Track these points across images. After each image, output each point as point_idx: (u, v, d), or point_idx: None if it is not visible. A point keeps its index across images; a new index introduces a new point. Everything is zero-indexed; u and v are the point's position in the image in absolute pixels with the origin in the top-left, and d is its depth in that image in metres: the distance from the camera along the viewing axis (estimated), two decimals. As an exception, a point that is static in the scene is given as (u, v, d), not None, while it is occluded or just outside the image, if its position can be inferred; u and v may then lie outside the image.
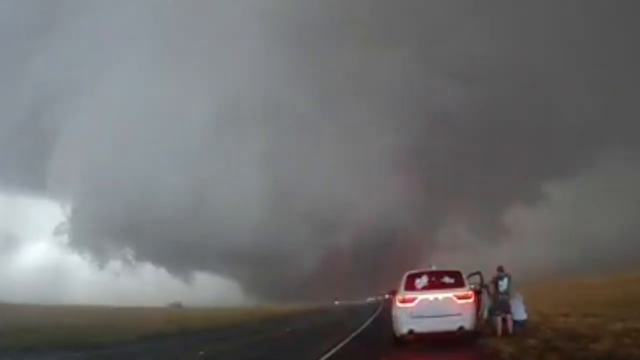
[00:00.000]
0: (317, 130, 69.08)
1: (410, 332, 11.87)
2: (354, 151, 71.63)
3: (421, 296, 11.96)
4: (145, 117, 63.61)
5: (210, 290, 69.62)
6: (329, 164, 68.66)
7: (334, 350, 12.88)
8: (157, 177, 61.03)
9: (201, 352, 14.97)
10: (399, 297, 12.30)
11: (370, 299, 79.88)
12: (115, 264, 70.53)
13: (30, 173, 70.18)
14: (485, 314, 13.60)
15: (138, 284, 66.74)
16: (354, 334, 17.83)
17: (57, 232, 71.40)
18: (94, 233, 68.27)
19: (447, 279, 12.37)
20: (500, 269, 13.45)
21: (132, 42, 66.42)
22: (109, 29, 67.37)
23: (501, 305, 13.14)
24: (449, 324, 11.64)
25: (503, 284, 13.18)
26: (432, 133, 66.47)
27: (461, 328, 11.64)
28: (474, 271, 14.13)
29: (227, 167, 65.55)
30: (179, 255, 68.70)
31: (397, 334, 12.20)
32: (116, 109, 63.97)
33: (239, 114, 66.21)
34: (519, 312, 13.20)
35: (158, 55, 66.44)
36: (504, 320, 13.09)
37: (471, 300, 12.02)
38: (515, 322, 13.03)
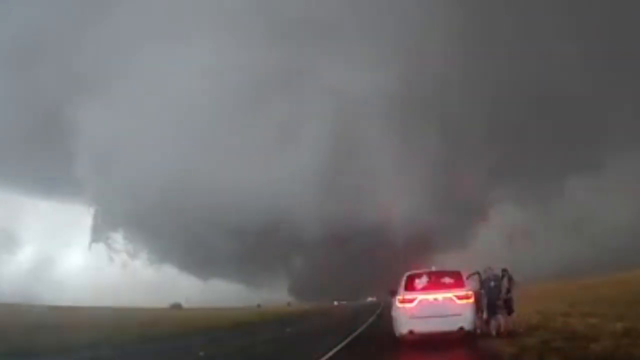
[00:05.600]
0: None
1: (411, 332, 11.87)
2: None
3: (421, 296, 11.96)
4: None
5: (216, 292, 69.23)
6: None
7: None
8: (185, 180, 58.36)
9: (201, 353, 14.97)
10: (399, 297, 12.30)
11: (370, 299, 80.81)
12: (127, 264, 69.82)
13: (54, 173, 67.95)
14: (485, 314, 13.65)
15: (149, 284, 66.25)
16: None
17: (79, 233, 71.01)
18: (113, 232, 67.55)
19: (447, 279, 12.37)
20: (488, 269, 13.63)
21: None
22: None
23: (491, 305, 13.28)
24: (449, 325, 11.64)
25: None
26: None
27: (461, 328, 11.64)
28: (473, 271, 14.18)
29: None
30: (195, 256, 67.60)
31: (397, 335, 12.20)
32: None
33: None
34: None
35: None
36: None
37: (471, 300, 12.02)
38: None
